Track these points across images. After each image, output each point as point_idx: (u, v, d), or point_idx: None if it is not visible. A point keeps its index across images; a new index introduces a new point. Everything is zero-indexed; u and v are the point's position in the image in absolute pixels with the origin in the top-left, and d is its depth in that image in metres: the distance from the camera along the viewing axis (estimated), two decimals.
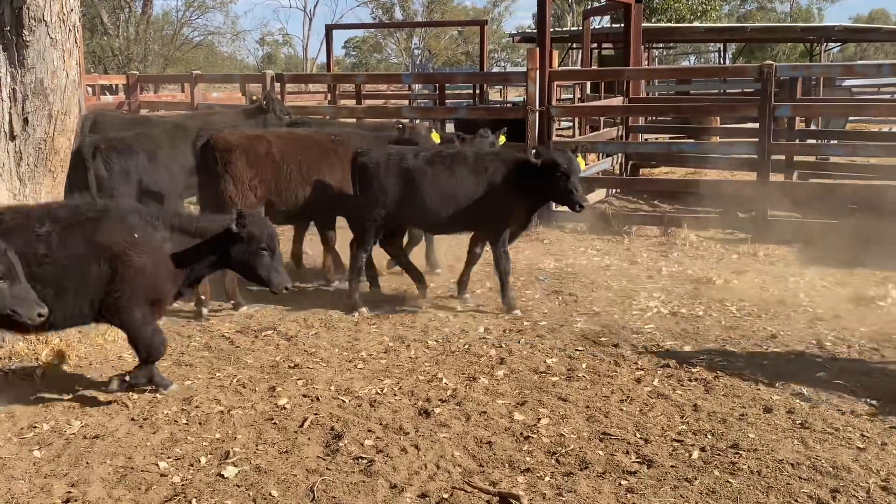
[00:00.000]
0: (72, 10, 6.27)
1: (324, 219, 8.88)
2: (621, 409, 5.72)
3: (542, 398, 5.91)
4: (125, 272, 5.64)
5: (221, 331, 7.52)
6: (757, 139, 11.39)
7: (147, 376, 5.98)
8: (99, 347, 6.80)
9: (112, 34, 35.50)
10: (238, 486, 4.71)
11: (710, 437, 5.28)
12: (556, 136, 12.78)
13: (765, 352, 6.87)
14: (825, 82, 17.70)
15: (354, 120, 14.35)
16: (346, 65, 70.20)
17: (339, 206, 8.48)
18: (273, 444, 5.21)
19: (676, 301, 8.35)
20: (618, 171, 15.23)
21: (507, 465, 4.95)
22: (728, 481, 4.70)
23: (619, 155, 15.15)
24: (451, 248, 9.55)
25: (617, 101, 15.44)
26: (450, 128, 15.09)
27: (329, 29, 23.55)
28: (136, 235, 5.70)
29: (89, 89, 17.15)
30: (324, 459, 5.02)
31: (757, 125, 11.56)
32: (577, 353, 6.89)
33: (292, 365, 6.65)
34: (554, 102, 12.42)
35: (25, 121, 6.17)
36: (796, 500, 4.50)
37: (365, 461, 4.97)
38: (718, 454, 5.02)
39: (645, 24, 20.23)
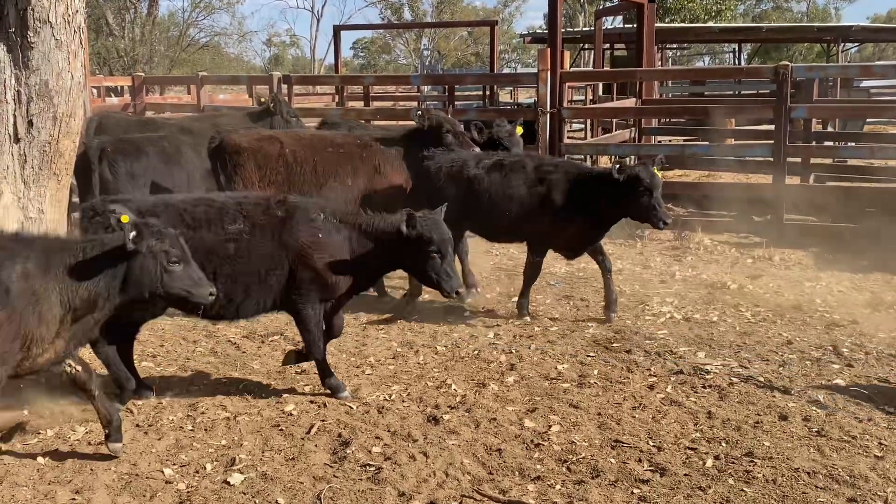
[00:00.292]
0: (77, 11, 6.20)
1: None
2: (634, 417, 5.65)
3: (553, 405, 5.84)
4: (304, 272, 5.85)
5: (227, 336, 7.46)
6: (772, 141, 11.28)
7: (323, 374, 6.11)
8: None
9: (117, 35, 35.58)
10: (244, 494, 4.67)
11: (724, 444, 5.22)
12: (568, 138, 12.69)
13: (780, 358, 6.78)
14: (842, 83, 17.59)
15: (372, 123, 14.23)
16: (355, 66, 70.30)
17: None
18: (280, 451, 5.16)
19: (690, 306, 8.26)
20: None
21: (517, 472, 4.90)
22: (743, 490, 4.65)
23: (632, 157, 15.04)
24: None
25: (629, 102, 15.36)
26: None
27: (337, 30, 23.54)
28: (319, 236, 5.89)
29: (94, 91, 17.14)
30: (331, 466, 4.98)
31: (772, 127, 11.44)
32: (589, 359, 6.82)
33: (299, 370, 6.59)
34: (565, 104, 12.34)
35: (30, 123, 6.11)
36: None
37: (373, 468, 4.93)
38: (733, 462, 4.97)
39: (658, 25, 20.16)
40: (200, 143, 9.09)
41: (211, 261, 5.68)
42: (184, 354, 6.99)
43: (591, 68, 26.55)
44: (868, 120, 18.76)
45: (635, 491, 4.66)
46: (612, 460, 5.03)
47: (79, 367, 5.00)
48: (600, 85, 18.55)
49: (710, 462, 4.97)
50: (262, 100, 12.35)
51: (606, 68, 21.60)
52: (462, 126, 8.73)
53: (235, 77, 24.41)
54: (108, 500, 4.61)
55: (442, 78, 26.42)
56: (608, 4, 19.09)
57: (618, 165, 7.39)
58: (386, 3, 66.97)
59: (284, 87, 14.64)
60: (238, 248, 5.77)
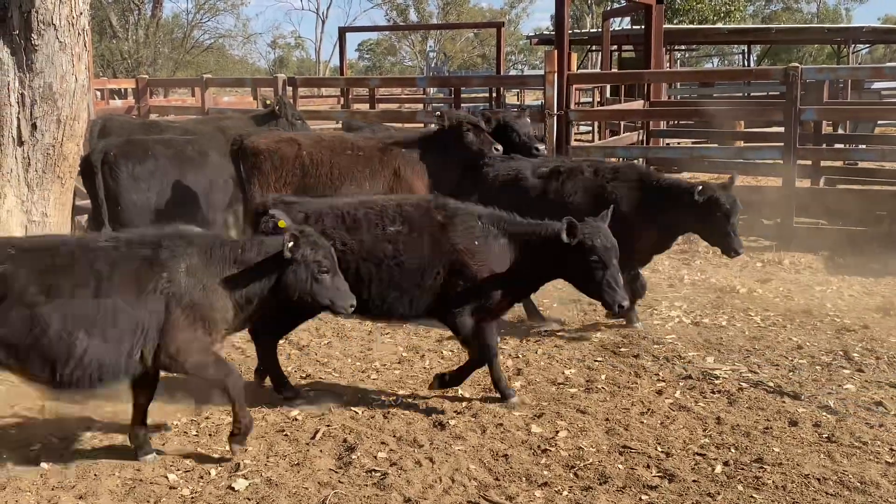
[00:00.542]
0: (81, 13, 6.20)
1: None
2: (642, 422, 5.61)
3: (561, 410, 5.80)
4: (460, 278, 5.74)
5: (232, 340, 7.41)
6: (782, 144, 11.21)
7: (495, 378, 5.96)
8: None
9: (121, 37, 35.56)
10: (249, 500, 4.65)
11: (733, 450, 5.18)
12: (575, 140, 12.65)
13: (790, 363, 6.73)
14: (853, 85, 17.50)
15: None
16: (360, 68, 70.39)
17: None
18: (284, 457, 5.13)
19: (699, 310, 8.20)
20: None
21: (524, 478, 4.87)
22: (752, 497, 4.62)
23: (640, 160, 14.98)
24: None
25: (637, 104, 15.30)
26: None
27: (342, 31, 23.54)
28: (476, 242, 5.76)
29: (98, 93, 17.15)
30: (336, 472, 4.94)
31: (782, 129, 11.37)
32: (597, 363, 6.77)
33: (304, 375, 6.57)
34: (573, 106, 12.30)
35: (34, 126, 6.11)
36: None
37: (378, 474, 4.89)
38: (742, 468, 4.93)
39: (666, 26, 20.10)
40: (205, 146, 9.03)
41: (368, 261, 5.74)
42: None
43: (598, 70, 26.48)
44: (879, 122, 18.67)
45: (643, 497, 4.63)
46: (620, 466, 4.99)
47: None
48: (608, 87, 18.50)
49: (719, 468, 4.93)
50: (268, 102, 12.33)
51: (614, 70, 21.55)
52: (483, 122, 8.58)
53: (240, 79, 24.46)
54: None
55: (448, 80, 26.38)
56: (616, 6, 19.07)
57: (700, 186, 7.07)
58: (391, 4, 67.03)
59: (289, 89, 14.63)
60: (395, 250, 5.75)
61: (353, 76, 36.04)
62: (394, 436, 5.40)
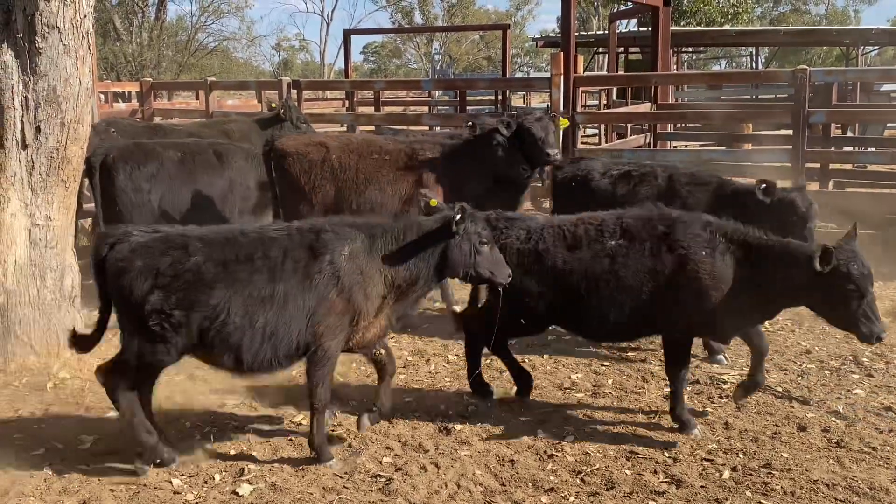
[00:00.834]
0: (85, 16, 6.18)
1: None
2: (649, 427, 5.57)
3: (567, 415, 5.76)
4: (680, 294, 5.34)
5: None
6: (791, 146, 11.14)
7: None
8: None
9: (125, 40, 35.50)
10: None
11: (741, 456, 5.15)
12: (581, 143, 12.60)
13: (799, 367, 6.69)
14: (862, 87, 17.40)
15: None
16: (365, 71, 70.43)
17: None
18: (289, 462, 5.10)
19: None
20: None
21: (530, 484, 4.84)
22: (760, 502, 4.60)
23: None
24: None
25: (644, 107, 15.24)
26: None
27: (347, 34, 23.49)
28: (702, 254, 5.33)
29: (102, 97, 17.13)
30: (341, 478, 4.92)
31: (791, 132, 11.31)
32: (604, 368, 6.75)
33: None
34: (579, 109, 12.25)
35: (38, 129, 6.09)
36: None
37: (383, 479, 4.87)
38: (750, 474, 4.91)
39: (673, 28, 20.04)
40: (213, 149, 8.97)
41: (587, 279, 5.48)
42: (192, 364, 6.86)
43: (605, 73, 26.46)
44: (888, 124, 18.59)
45: (651, 503, 4.60)
46: (627, 472, 4.96)
47: (382, 350, 5.37)
48: (614, 89, 18.44)
49: (726, 474, 4.91)
50: (272, 105, 12.25)
51: (621, 72, 21.47)
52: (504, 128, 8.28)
53: (244, 82, 24.43)
54: None
55: (453, 83, 26.30)
56: (622, 8, 19.01)
57: (764, 185, 6.73)
58: (396, 6, 67.06)
59: (294, 92, 14.60)
60: (614, 265, 5.44)
61: (358, 79, 36.03)
62: (399, 440, 5.38)
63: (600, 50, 28.70)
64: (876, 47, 33.20)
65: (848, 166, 14.16)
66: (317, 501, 4.63)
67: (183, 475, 4.94)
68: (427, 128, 11.60)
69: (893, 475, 4.85)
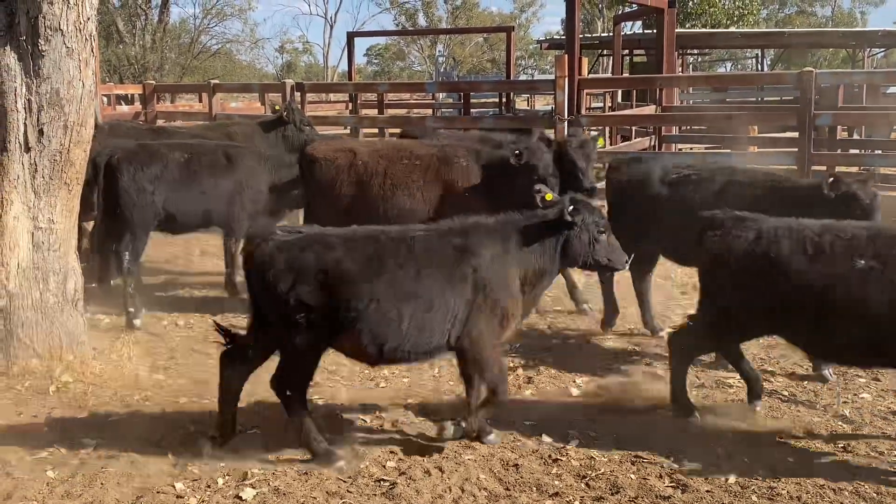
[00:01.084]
0: (88, 18, 6.16)
1: None
2: (654, 431, 5.53)
3: (572, 419, 5.72)
4: None
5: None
6: (796, 149, 11.11)
7: None
8: (115, 365, 6.69)
9: (128, 42, 35.48)
10: None
11: (747, 460, 5.10)
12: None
13: (805, 371, 6.65)
14: (868, 90, 17.33)
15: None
16: (368, 73, 70.34)
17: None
18: (292, 466, 5.07)
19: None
20: None
21: (534, 488, 4.81)
22: None
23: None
24: None
25: (649, 109, 15.22)
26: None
27: (351, 36, 23.54)
28: None
29: (105, 99, 17.13)
30: (344, 482, 4.88)
31: (796, 135, 11.27)
32: (608, 372, 6.71)
33: (312, 383, 6.47)
34: (583, 111, 12.22)
35: (41, 132, 6.08)
36: None
37: (387, 484, 4.84)
38: (756, 479, 4.87)
39: (678, 30, 19.98)
40: (211, 152, 8.96)
41: (828, 298, 5.05)
42: (195, 367, 6.90)
43: (609, 75, 26.40)
44: (895, 127, 18.52)
45: None
46: (633, 476, 4.93)
47: None
48: (619, 92, 18.40)
49: (732, 478, 4.87)
50: (276, 108, 12.25)
51: (625, 75, 21.44)
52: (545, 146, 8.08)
53: (247, 85, 24.48)
54: None
55: (457, 85, 26.31)
56: (627, 10, 18.94)
57: (831, 179, 6.48)
58: (400, 9, 67.05)
59: (297, 94, 14.60)
60: (860, 285, 4.99)
61: (362, 81, 35.97)
62: (402, 445, 5.34)
63: (605, 52, 28.63)
64: (882, 49, 33.11)
65: (854, 169, 14.08)
66: None
67: (186, 479, 4.91)
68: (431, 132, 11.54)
69: None
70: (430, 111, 24.09)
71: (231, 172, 8.79)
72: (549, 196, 5.52)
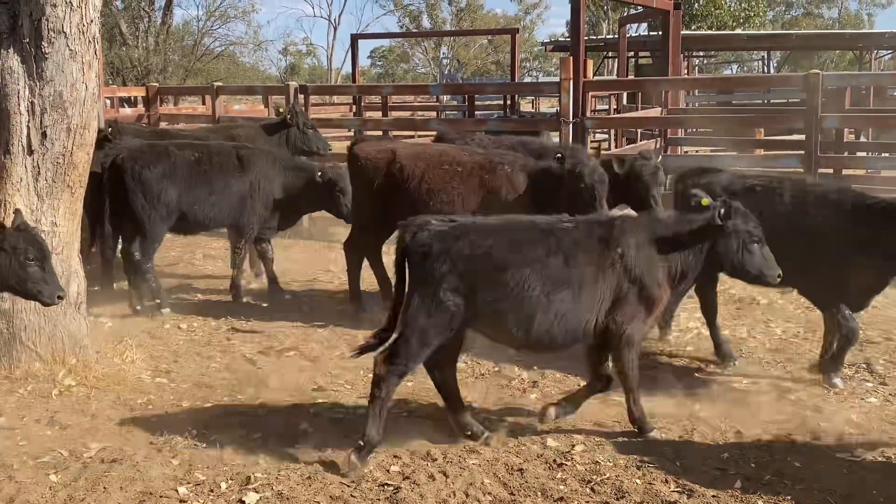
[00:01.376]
0: (92, 21, 6.14)
1: None
2: (659, 436, 5.50)
3: (576, 423, 5.68)
4: None
5: (243, 352, 7.36)
6: (803, 152, 11.05)
7: None
8: (117, 369, 6.67)
9: (131, 45, 35.48)
10: None
11: (753, 465, 5.08)
12: (591, 148, 12.52)
13: (812, 376, 6.59)
14: (875, 92, 17.27)
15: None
16: (372, 75, 70.35)
17: None
18: (295, 470, 5.04)
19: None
20: None
21: (539, 493, 4.78)
22: None
23: None
24: None
25: (655, 112, 15.16)
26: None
27: (354, 38, 23.52)
28: None
29: (108, 102, 17.13)
30: (348, 486, 4.85)
31: (803, 137, 11.22)
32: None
33: (316, 387, 6.48)
34: (588, 114, 12.17)
35: (44, 135, 6.05)
36: None
37: (391, 488, 4.81)
38: (763, 484, 4.83)
39: (684, 32, 19.94)
40: (214, 153, 8.93)
41: None
42: (198, 370, 6.89)
43: (614, 77, 26.37)
44: None
45: None
46: (638, 481, 4.89)
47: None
48: (624, 94, 18.36)
49: (739, 483, 4.83)
50: (280, 110, 12.25)
51: (631, 77, 21.39)
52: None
53: (251, 87, 24.44)
54: None
55: (462, 87, 26.34)
56: (632, 11, 18.88)
57: None
58: (404, 11, 67.05)
59: (301, 96, 14.57)
60: None
61: (366, 83, 35.97)
62: (407, 449, 5.31)
63: (610, 54, 28.63)
64: (890, 51, 33.01)
65: (861, 172, 14.03)
66: None
67: (189, 483, 4.88)
68: (435, 133, 11.51)
69: None
70: (434, 113, 24.06)
71: (243, 174, 8.79)
72: (706, 202, 5.55)
